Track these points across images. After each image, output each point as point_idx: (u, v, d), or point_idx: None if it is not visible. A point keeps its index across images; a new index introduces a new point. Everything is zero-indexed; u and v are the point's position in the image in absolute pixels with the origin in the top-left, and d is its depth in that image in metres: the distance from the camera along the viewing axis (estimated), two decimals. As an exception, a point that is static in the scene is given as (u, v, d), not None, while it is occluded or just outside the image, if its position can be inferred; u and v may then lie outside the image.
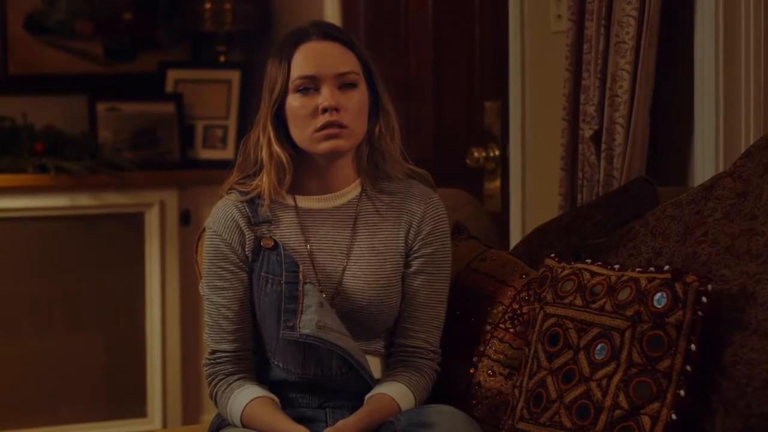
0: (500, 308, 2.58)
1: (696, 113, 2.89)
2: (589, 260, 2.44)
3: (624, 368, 2.25)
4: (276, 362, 2.47)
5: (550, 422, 2.32)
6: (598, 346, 2.29)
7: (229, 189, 2.54)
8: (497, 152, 3.62)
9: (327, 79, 2.45)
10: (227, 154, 4.83)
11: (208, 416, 3.47)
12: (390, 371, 2.50)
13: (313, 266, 2.48)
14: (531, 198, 3.40)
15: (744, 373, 2.19)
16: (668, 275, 2.25)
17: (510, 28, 3.41)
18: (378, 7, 4.31)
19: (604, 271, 2.37)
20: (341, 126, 2.45)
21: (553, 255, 2.51)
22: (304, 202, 2.53)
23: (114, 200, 4.71)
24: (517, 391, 2.42)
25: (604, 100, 2.95)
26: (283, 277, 2.44)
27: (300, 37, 2.49)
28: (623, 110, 2.91)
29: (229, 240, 2.49)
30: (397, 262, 2.52)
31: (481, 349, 2.56)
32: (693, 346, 2.21)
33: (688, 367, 2.21)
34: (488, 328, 2.57)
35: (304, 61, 2.46)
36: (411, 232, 2.53)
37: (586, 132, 2.99)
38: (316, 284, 2.46)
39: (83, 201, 4.67)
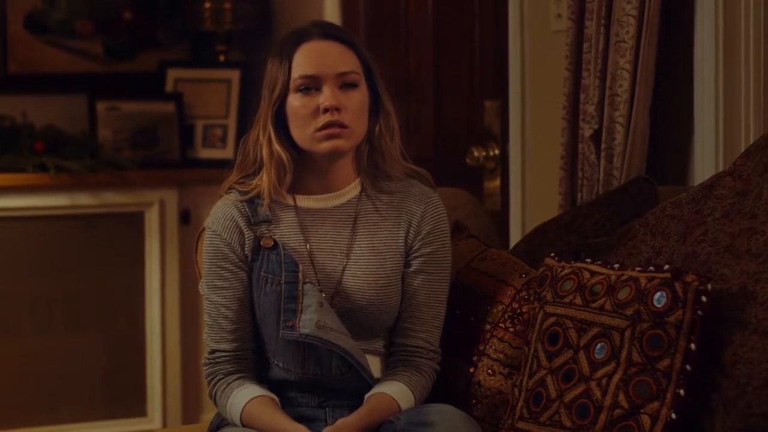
0: (500, 307, 2.58)
1: (696, 112, 2.89)
2: (588, 259, 2.44)
3: (624, 367, 2.24)
4: (276, 362, 2.47)
5: (550, 421, 2.32)
6: (598, 346, 2.29)
7: (229, 188, 2.54)
8: (497, 151, 3.62)
9: (328, 79, 2.45)
10: (227, 153, 4.83)
11: (208, 415, 3.46)
12: (390, 371, 2.50)
13: (313, 266, 2.48)
14: (531, 197, 3.40)
15: (744, 372, 2.19)
16: (668, 274, 2.25)
17: (510, 27, 3.41)
18: (378, 7, 4.31)
19: (604, 271, 2.37)
20: (342, 126, 2.45)
21: (552, 254, 2.51)
22: (304, 201, 2.53)
23: (114, 199, 4.71)
24: (516, 391, 2.42)
25: (604, 100, 2.95)
26: (283, 276, 2.43)
27: (301, 36, 2.49)
28: (623, 109, 2.91)
29: (228, 239, 2.49)
30: (396, 262, 2.52)
31: (481, 348, 2.56)
32: (693, 346, 2.21)
33: (688, 367, 2.21)
34: (488, 327, 2.57)
35: (305, 60, 2.46)
36: (411, 231, 2.52)
37: (586, 131, 2.99)
38: (316, 284, 2.46)
39: (83, 200, 4.67)
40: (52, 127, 4.74)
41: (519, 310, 2.55)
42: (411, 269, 2.52)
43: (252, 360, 2.51)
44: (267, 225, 2.50)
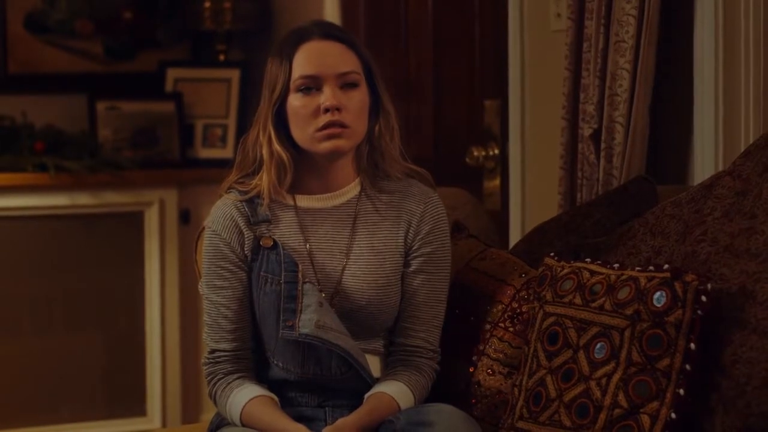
0: (500, 307, 2.58)
1: (695, 112, 2.89)
2: (588, 259, 2.44)
3: (623, 367, 2.24)
4: (275, 361, 2.47)
5: (550, 421, 2.32)
6: (598, 345, 2.29)
7: (229, 188, 2.54)
8: (497, 151, 3.62)
9: (329, 79, 2.45)
10: (227, 153, 4.83)
11: (208, 415, 3.46)
12: (389, 370, 2.50)
13: (313, 265, 2.48)
14: (530, 197, 3.40)
15: (743, 371, 2.19)
16: (668, 274, 2.25)
17: (510, 27, 3.41)
18: (378, 7, 4.31)
19: (604, 270, 2.37)
20: (343, 126, 2.45)
21: (552, 254, 2.51)
22: (304, 201, 2.53)
23: (114, 199, 4.71)
24: (516, 390, 2.42)
25: (604, 99, 2.95)
26: (283, 276, 2.43)
27: (301, 36, 2.49)
28: (623, 109, 2.91)
29: (228, 239, 2.49)
30: (396, 262, 2.52)
31: (481, 348, 2.56)
32: (692, 345, 2.21)
33: (688, 366, 2.21)
34: (488, 327, 2.57)
35: (305, 60, 2.46)
36: (410, 231, 2.52)
37: (586, 131, 2.99)
38: (316, 283, 2.46)
39: (83, 200, 4.67)
40: (52, 127, 4.74)
41: (519, 310, 2.55)
42: (411, 269, 2.52)
43: (252, 360, 2.51)
44: (266, 225, 2.50)
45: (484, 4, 3.75)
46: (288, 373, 2.46)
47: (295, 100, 2.47)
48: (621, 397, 2.23)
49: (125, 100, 4.87)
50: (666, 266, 2.28)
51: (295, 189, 2.52)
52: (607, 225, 2.70)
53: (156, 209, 4.73)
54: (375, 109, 2.53)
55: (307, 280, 2.44)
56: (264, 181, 2.49)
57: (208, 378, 2.51)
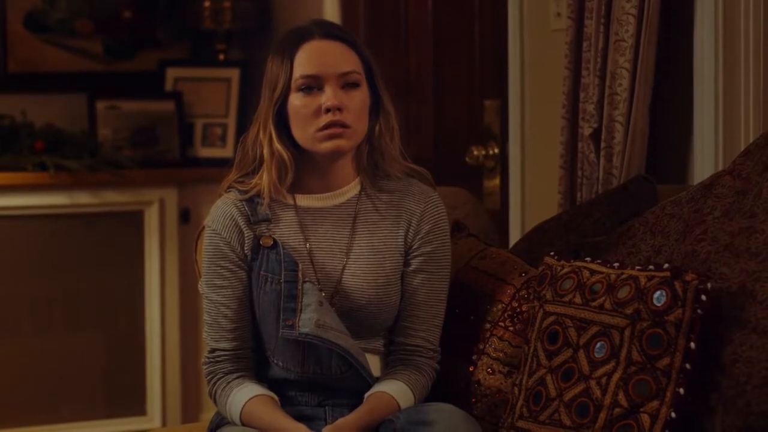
0: (500, 306, 2.58)
1: (695, 111, 2.89)
2: (588, 258, 2.44)
3: (623, 366, 2.24)
4: (275, 361, 2.47)
5: (550, 420, 2.32)
6: (598, 344, 2.29)
7: (228, 187, 2.54)
8: (497, 150, 3.62)
9: (330, 79, 2.45)
10: (227, 152, 4.83)
11: (208, 414, 3.47)
12: (389, 369, 2.50)
13: (313, 265, 2.48)
14: (530, 196, 3.40)
15: (743, 371, 2.19)
16: (668, 273, 2.25)
17: (509, 26, 3.41)
18: (378, 7, 4.31)
19: (604, 270, 2.37)
20: (344, 126, 2.45)
21: (552, 253, 2.51)
22: (304, 200, 2.53)
23: (113, 198, 4.71)
24: (516, 389, 2.42)
25: (604, 99, 2.95)
26: (283, 275, 2.43)
27: (302, 36, 2.48)
28: (623, 108, 2.91)
29: (228, 239, 2.49)
30: (396, 261, 2.52)
31: (481, 347, 2.56)
32: (692, 344, 2.21)
33: (688, 366, 2.21)
34: (488, 326, 2.57)
35: (306, 60, 2.46)
36: (410, 230, 2.52)
37: (586, 130, 2.99)
38: (316, 283, 2.46)
39: (83, 199, 4.67)
40: (52, 126, 4.74)
41: (519, 309, 2.55)
42: (411, 268, 2.52)
43: (252, 359, 2.51)
44: (266, 224, 2.50)
45: (484, 4, 3.75)
46: (288, 372, 2.46)
47: (296, 100, 2.47)
48: (621, 396, 2.23)
49: (125, 99, 4.88)
50: (666, 265, 2.28)
51: (295, 188, 2.52)
52: (607, 224, 2.70)
53: (156, 208, 4.73)
54: (375, 109, 2.53)
55: (307, 279, 2.44)
56: (264, 180, 2.49)
57: (208, 377, 2.51)
